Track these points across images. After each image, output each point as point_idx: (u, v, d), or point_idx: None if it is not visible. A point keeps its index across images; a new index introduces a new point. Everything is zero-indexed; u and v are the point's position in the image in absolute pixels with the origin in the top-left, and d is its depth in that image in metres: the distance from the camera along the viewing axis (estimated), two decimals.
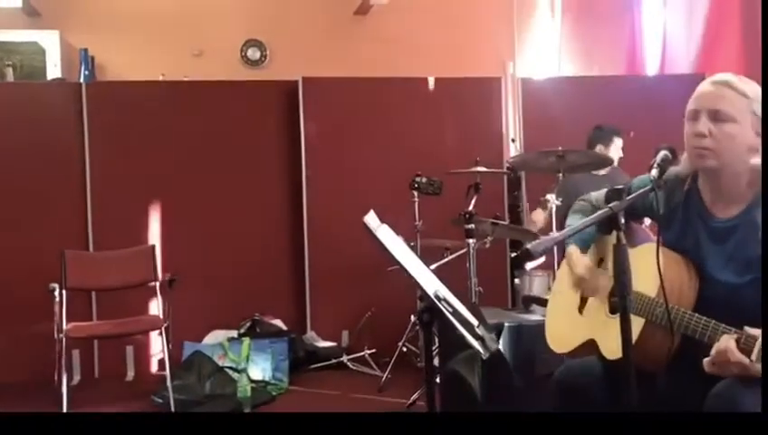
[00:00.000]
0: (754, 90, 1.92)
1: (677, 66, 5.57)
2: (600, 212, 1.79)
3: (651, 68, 5.87)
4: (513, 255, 5.07)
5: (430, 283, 2.03)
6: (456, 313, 1.98)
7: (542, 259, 4.06)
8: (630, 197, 1.80)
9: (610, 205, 1.76)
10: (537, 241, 1.73)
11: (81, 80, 5.25)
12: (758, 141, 1.90)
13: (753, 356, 1.65)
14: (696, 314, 1.86)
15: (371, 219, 2.07)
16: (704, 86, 1.96)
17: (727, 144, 1.90)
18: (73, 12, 5.90)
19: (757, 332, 1.68)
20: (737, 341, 1.70)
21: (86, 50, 5.45)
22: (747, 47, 4.81)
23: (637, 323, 1.89)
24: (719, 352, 1.72)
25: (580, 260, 2.16)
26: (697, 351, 1.81)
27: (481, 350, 1.94)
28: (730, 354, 1.69)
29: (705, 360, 1.75)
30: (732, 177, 1.95)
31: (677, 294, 1.92)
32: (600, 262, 2.20)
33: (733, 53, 4.99)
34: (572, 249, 2.20)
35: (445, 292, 2.01)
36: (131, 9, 5.98)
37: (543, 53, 6.71)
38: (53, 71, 5.65)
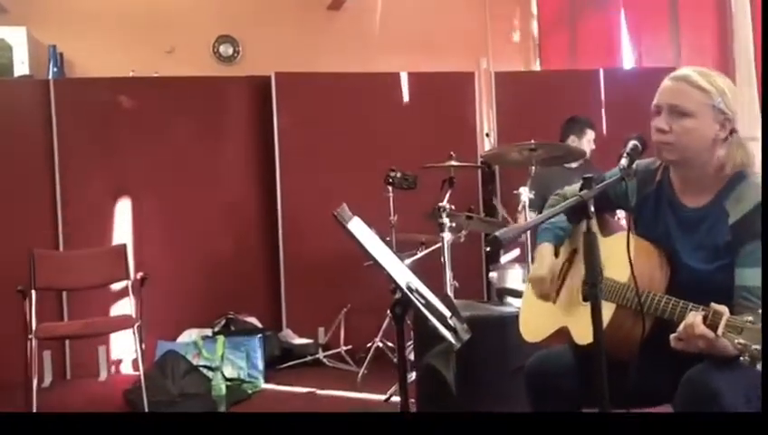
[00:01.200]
0: (717, 83, 1.94)
1: (654, 60, 5.60)
2: (569, 200, 1.80)
3: (628, 62, 5.90)
4: (488, 249, 5.08)
5: (402, 274, 2.02)
6: (428, 304, 1.98)
7: (518, 252, 4.08)
8: (600, 185, 1.81)
9: (580, 193, 1.77)
10: (505, 229, 1.73)
11: (50, 76, 5.16)
12: (722, 133, 1.94)
13: (719, 331, 1.67)
14: (666, 296, 1.89)
15: (343, 212, 2.06)
16: (665, 81, 2.00)
17: (686, 138, 1.94)
18: (41, 8, 5.80)
19: (723, 308, 1.71)
20: (704, 317, 1.72)
21: (55, 46, 5.36)
22: (722, 40, 4.86)
23: (608, 308, 1.91)
24: (685, 326, 1.74)
25: (546, 260, 2.20)
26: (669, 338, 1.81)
27: (453, 341, 1.94)
28: (696, 328, 1.71)
29: (672, 335, 1.77)
30: (698, 168, 1.99)
31: (648, 280, 1.94)
32: (574, 253, 2.22)
33: (707, 46, 5.03)
34: (545, 247, 2.22)
35: (417, 283, 2.01)
36: (101, 4, 5.89)
37: (518, 48, 6.73)
38: (21, 68, 5.54)
